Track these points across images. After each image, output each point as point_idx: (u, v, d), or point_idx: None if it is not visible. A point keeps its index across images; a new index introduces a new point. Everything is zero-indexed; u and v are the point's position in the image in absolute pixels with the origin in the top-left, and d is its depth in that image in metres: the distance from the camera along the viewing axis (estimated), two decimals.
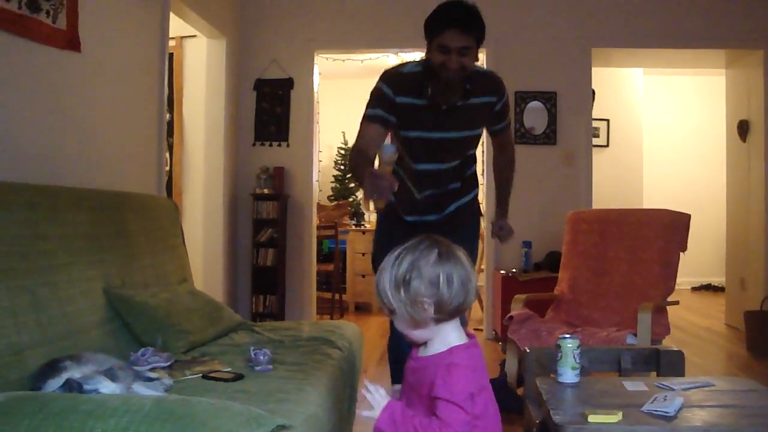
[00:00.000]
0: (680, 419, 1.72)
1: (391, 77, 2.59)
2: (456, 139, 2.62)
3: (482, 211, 2.92)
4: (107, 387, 1.85)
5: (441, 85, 2.47)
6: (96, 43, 3.26)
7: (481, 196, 5.92)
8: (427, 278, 1.55)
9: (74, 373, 1.89)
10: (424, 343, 1.63)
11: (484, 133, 2.83)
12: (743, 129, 5.90)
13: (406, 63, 2.64)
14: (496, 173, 2.99)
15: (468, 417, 1.49)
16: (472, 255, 2.73)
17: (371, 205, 2.21)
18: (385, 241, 2.68)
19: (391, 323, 2.48)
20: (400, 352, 2.53)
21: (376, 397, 1.58)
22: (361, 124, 2.59)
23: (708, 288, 8.46)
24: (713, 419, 1.76)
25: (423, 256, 1.56)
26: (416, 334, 1.61)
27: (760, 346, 4.88)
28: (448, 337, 1.59)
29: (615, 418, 1.68)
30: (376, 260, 2.72)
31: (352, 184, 7.96)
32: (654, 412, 1.74)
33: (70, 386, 1.83)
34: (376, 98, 2.57)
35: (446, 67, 2.39)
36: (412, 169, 2.70)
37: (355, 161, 2.52)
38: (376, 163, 2.57)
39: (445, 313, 1.56)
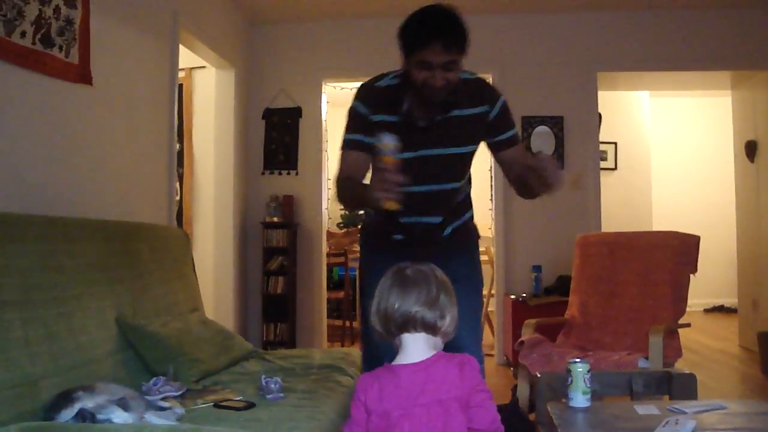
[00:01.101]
0: None
1: (366, 93, 2.33)
2: (441, 157, 2.28)
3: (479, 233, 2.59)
4: (120, 417, 1.87)
5: (421, 101, 2.19)
6: (107, 75, 3.31)
7: (486, 218, 5.93)
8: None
9: (87, 403, 1.91)
10: None
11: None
12: (751, 149, 5.91)
13: (383, 75, 2.34)
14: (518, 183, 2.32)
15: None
16: (472, 286, 2.43)
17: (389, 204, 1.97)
18: (374, 258, 2.46)
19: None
20: None
21: None
22: (340, 152, 2.35)
23: (720, 309, 8.39)
24: None
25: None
26: None
27: None
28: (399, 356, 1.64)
29: None
30: (364, 281, 2.48)
31: (361, 212, 7.96)
32: None
33: (83, 416, 1.85)
34: (352, 119, 2.32)
35: (430, 84, 2.10)
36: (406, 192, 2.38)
37: (341, 186, 2.30)
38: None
39: (386, 327, 1.62)
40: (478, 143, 2.35)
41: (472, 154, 2.36)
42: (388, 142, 2.01)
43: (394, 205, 1.94)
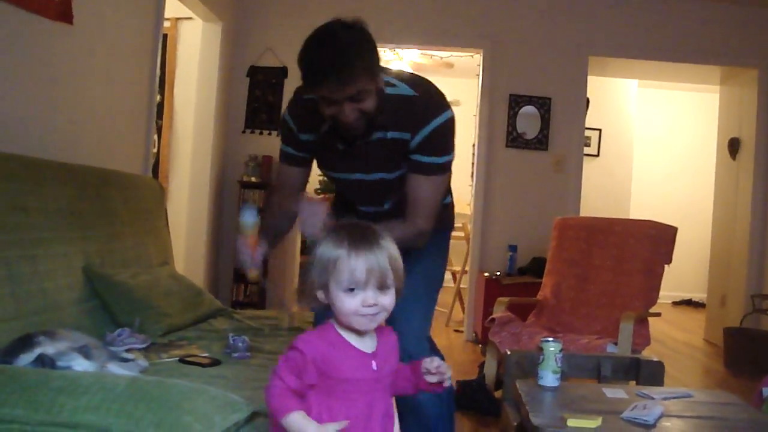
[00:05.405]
0: (659, 428, 1.71)
1: (292, 106, 2.14)
2: (371, 183, 2.10)
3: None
4: (81, 364, 1.82)
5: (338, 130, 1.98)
6: (89, 17, 3.20)
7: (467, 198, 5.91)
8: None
9: (48, 348, 1.86)
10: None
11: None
12: (734, 147, 5.93)
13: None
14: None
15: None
16: (430, 271, 2.22)
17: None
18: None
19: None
20: None
21: None
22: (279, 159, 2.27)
23: (689, 303, 8.48)
24: (692, 430, 1.75)
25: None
26: None
27: (738, 363, 4.90)
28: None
29: (594, 423, 1.67)
30: None
31: None
32: (633, 419, 1.73)
33: (43, 362, 1.79)
34: (283, 129, 2.18)
35: (340, 120, 1.87)
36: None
37: (266, 204, 2.18)
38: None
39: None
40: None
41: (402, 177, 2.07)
42: (247, 219, 2.03)
43: (255, 275, 2.01)
